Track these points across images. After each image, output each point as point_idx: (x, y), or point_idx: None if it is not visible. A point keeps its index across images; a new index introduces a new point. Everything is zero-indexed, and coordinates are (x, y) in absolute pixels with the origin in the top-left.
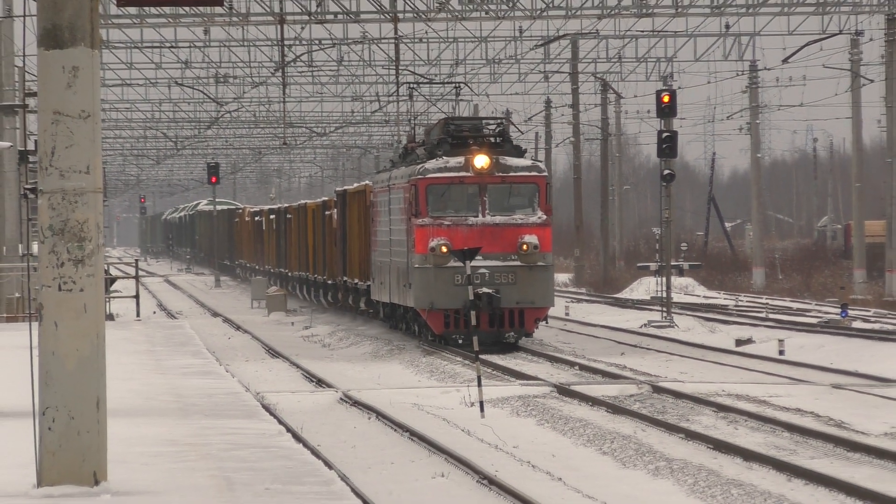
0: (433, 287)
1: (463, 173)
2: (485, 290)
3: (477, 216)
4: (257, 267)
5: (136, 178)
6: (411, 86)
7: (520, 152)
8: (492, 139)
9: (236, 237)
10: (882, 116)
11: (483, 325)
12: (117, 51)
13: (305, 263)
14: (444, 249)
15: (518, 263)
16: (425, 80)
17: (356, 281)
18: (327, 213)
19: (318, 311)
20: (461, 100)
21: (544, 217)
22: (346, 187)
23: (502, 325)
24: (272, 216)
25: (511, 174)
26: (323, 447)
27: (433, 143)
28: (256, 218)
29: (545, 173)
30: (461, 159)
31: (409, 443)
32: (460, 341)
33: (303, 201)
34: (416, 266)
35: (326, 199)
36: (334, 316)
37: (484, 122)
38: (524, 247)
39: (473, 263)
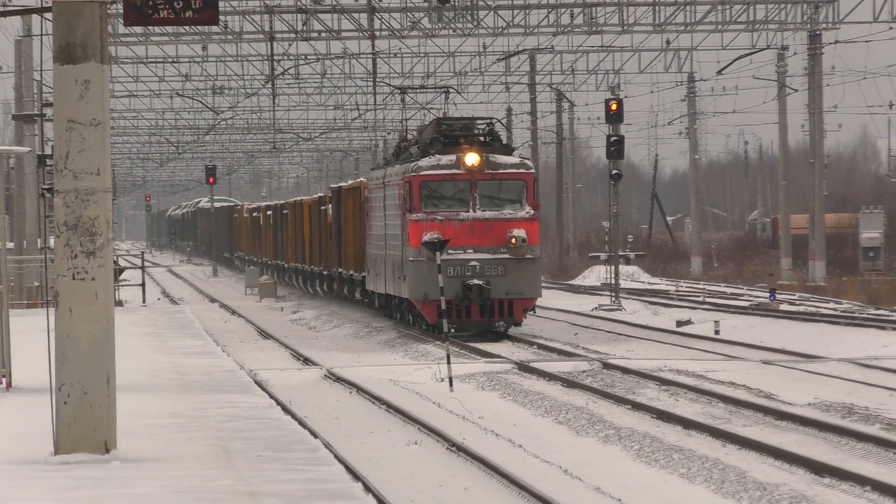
0: (427, 279)
1: (455, 170)
2: (476, 281)
3: (468, 211)
4: (255, 259)
5: (142, 179)
6: (403, 91)
7: (508, 150)
8: (482, 138)
9: (235, 231)
10: (805, 122)
11: (474, 315)
12: (125, 65)
13: (301, 255)
14: None
15: (507, 256)
16: (416, 87)
17: (351, 272)
18: (323, 208)
19: (304, 297)
20: (452, 103)
21: (532, 212)
22: (340, 184)
23: (492, 314)
24: (269, 212)
25: (500, 171)
26: (309, 419)
27: (426, 142)
28: (254, 214)
29: (533, 170)
30: (453, 157)
31: (386, 414)
32: (453, 330)
33: (299, 197)
34: (411, 259)
35: (322, 195)
36: (320, 302)
37: (474, 121)
38: (513, 240)
39: (464, 256)
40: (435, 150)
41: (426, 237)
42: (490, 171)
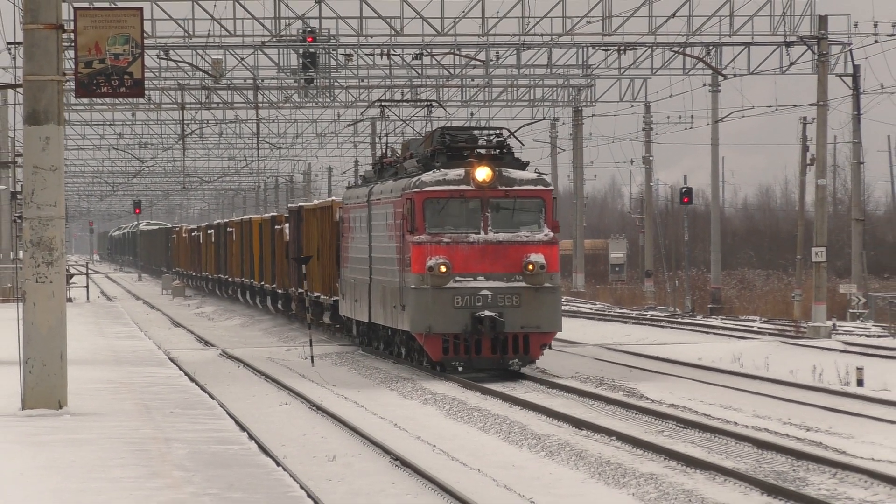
0: (431, 310)
1: (463, 186)
2: (487, 313)
3: (479, 233)
4: (194, 273)
5: (86, 209)
6: (383, 104)
7: (522, 165)
8: (492, 150)
9: (174, 249)
10: (570, 173)
11: (484, 351)
12: (75, 126)
13: (250, 271)
14: (443, 269)
15: (523, 285)
16: (397, 101)
17: (318, 294)
18: (277, 227)
19: (207, 296)
20: (434, 118)
21: (551, 234)
22: (301, 203)
23: (505, 350)
24: (210, 231)
25: (515, 187)
26: (208, 385)
27: (427, 154)
28: (194, 234)
29: (551, 187)
30: (461, 171)
31: (265, 382)
32: (460, 368)
33: (247, 216)
34: (412, 287)
35: (276, 214)
36: (217, 300)
37: (481, 132)
38: (530, 266)
39: (474, 284)
40: (439, 164)
41: (431, 262)
42: (504, 188)
